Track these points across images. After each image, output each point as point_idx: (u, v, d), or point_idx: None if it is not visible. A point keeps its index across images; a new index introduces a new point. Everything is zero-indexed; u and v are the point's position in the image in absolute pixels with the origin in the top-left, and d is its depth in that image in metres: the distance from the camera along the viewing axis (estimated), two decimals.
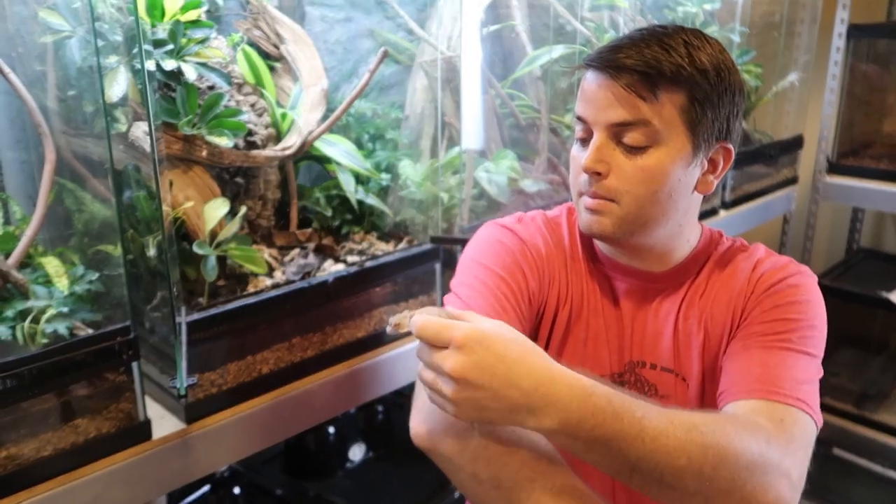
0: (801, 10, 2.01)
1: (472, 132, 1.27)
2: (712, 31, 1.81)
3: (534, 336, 0.91)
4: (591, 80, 0.85)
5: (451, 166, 1.26)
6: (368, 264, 1.06)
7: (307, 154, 1.15)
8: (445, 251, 1.19)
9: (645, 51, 0.83)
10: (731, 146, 0.88)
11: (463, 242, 1.22)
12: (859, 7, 2.05)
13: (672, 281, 0.93)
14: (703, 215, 1.73)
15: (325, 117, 1.14)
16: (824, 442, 2.00)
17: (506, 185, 1.27)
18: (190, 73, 0.94)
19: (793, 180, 2.02)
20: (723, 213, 1.77)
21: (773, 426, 0.76)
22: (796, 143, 2.04)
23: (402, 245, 1.18)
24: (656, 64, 0.83)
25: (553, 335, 0.91)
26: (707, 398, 0.91)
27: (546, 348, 0.90)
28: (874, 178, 1.91)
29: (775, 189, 1.94)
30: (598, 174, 0.84)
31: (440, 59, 1.27)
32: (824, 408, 2.21)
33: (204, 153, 0.97)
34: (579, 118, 0.86)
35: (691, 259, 0.95)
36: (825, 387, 2.08)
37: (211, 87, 1.04)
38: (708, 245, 0.96)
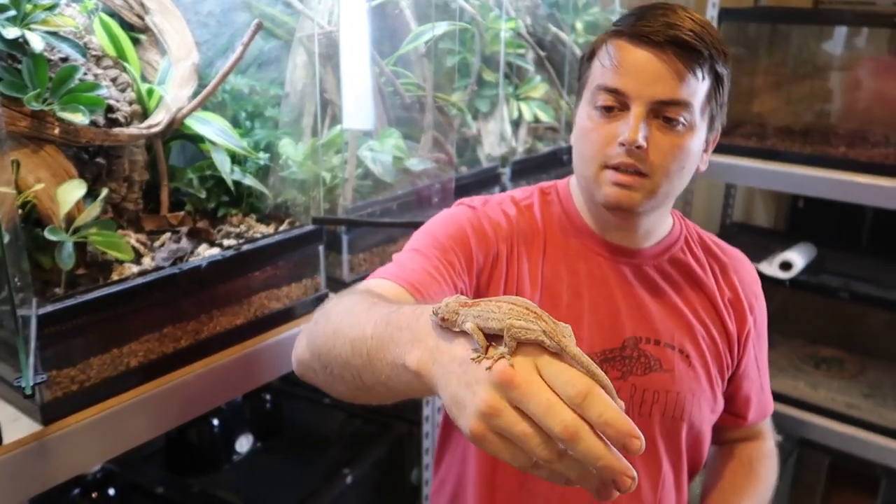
0: None
1: (355, 110, 1.23)
2: (594, 12, 1.85)
3: None
4: (629, 50, 0.85)
5: (334, 145, 1.22)
6: (246, 247, 1.01)
7: (179, 133, 1.08)
8: (328, 232, 1.16)
9: (689, 24, 0.84)
10: (720, 127, 0.94)
11: (346, 223, 1.19)
12: None
13: (661, 256, 0.98)
14: None
15: (196, 94, 1.07)
16: None
17: (391, 165, 1.24)
18: (37, 42, 0.86)
19: None
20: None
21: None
22: None
23: (283, 227, 1.13)
24: (702, 40, 0.84)
25: None
26: (709, 375, 0.98)
27: None
28: (745, 155, 2.01)
29: None
30: (640, 148, 0.84)
31: (318, 34, 1.22)
32: None
33: (56, 131, 0.89)
34: (611, 89, 0.86)
35: (674, 235, 1.00)
36: None
37: (64, 60, 0.95)
38: (679, 220, 1.03)
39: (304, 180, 1.17)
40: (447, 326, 0.55)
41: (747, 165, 2.00)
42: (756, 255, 2.04)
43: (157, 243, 1.02)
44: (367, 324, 0.64)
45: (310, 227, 1.10)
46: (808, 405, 2.00)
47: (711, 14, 2.02)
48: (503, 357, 0.49)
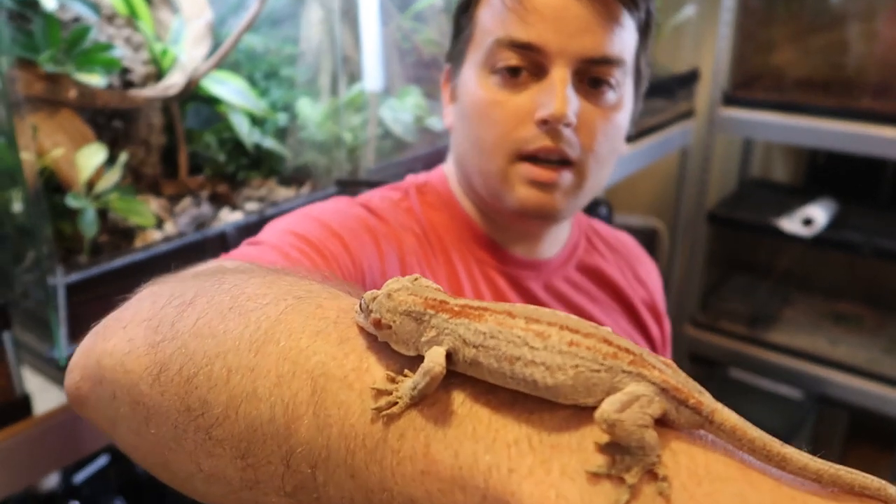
0: None
1: (374, 68, 1.19)
2: None
3: None
4: None
5: (354, 105, 1.19)
6: (269, 211, 0.99)
7: (194, 94, 1.05)
8: (351, 195, 1.13)
9: None
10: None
11: (370, 185, 1.16)
12: None
13: (569, 263, 0.77)
14: None
15: (211, 54, 1.04)
16: (721, 364, 2.10)
17: (412, 124, 1.21)
18: (49, 0, 0.83)
19: (689, 113, 2.06)
20: (626, 148, 1.78)
21: None
22: (693, 77, 2.07)
23: (304, 190, 1.11)
24: None
25: None
26: None
27: None
28: (765, 108, 1.96)
29: (673, 122, 1.97)
30: (569, 126, 0.62)
31: None
32: (720, 332, 2.31)
33: (72, 93, 0.85)
34: (521, 44, 0.62)
35: (575, 233, 0.79)
36: (720, 312, 2.19)
37: (76, 20, 0.92)
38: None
39: (323, 141, 1.14)
40: (384, 336, 0.33)
41: (766, 120, 1.96)
42: (776, 212, 2.01)
43: (177, 208, 0.99)
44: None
45: (332, 190, 1.08)
46: (828, 361, 1.99)
47: None
48: (400, 404, 0.31)
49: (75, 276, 0.76)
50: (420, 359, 0.32)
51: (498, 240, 0.72)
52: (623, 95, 0.66)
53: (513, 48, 0.62)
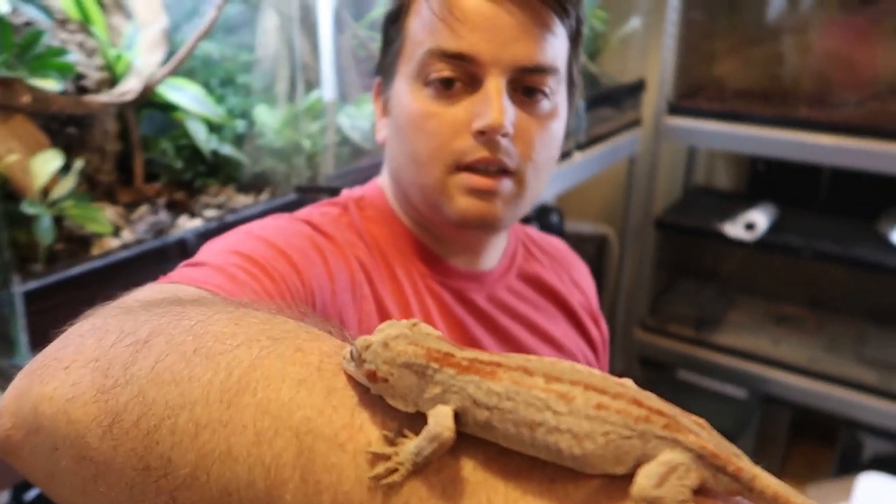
0: None
1: (331, 76, 1.20)
2: None
3: None
4: (471, 1, 0.61)
5: (312, 112, 1.19)
6: (229, 218, 0.98)
7: (149, 101, 1.04)
8: (311, 201, 1.13)
9: None
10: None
11: (330, 191, 1.17)
12: None
13: (509, 273, 0.76)
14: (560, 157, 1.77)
15: (166, 60, 1.03)
16: (670, 366, 2.16)
17: (370, 131, 1.22)
18: (1, 3, 0.81)
19: (636, 122, 2.12)
20: (577, 156, 1.82)
21: None
22: (639, 87, 2.13)
23: (263, 196, 1.10)
24: None
25: None
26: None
27: None
28: (708, 117, 2.03)
29: (621, 131, 2.03)
30: (507, 135, 0.62)
31: None
32: (668, 335, 2.37)
33: (26, 99, 0.84)
34: (453, 55, 0.61)
35: (512, 241, 0.78)
36: (668, 315, 2.26)
37: (28, 24, 0.90)
38: None
39: (282, 148, 1.14)
40: (379, 390, 0.30)
41: (710, 128, 2.03)
42: (720, 217, 2.08)
43: (134, 216, 0.98)
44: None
45: (292, 196, 1.08)
46: (771, 361, 2.07)
47: None
48: (401, 471, 0.28)
49: (33, 284, 0.74)
50: (421, 416, 0.29)
51: (439, 253, 0.71)
52: (558, 104, 0.66)
53: (445, 59, 0.61)
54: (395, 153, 0.69)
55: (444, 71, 0.61)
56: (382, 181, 0.74)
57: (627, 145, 2.07)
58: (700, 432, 0.27)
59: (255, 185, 1.13)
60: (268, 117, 1.14)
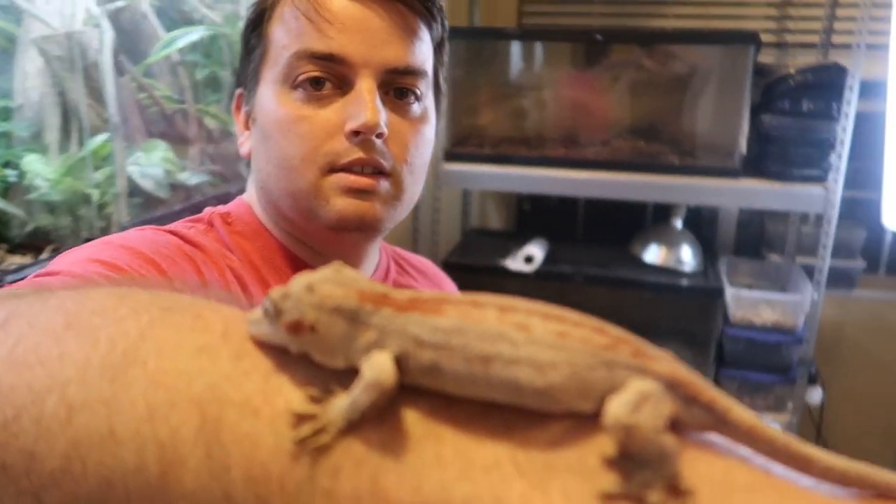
0: None
1: (117, 121, 1.10)
2: None
3: None
4: (338, 2, 0.60)
5: (95, 159, 1.07)
6: (9, 278, 0.84)
7: None
8: None
9: None
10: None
11: None
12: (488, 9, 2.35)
13: (384, 283, 0.71)
14: None
15: None
16: None
17: (163, 178, 1.13)
18: None
19: None
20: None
21: None
22: None
23: (43, 255, 0.96)
24: None
25: None
26: None
27: None
28: (478, 161, 2.18)
29: None
30: (381, 136, 0.60)
31: (58, 35, 1.07)
32: None
33: None
34: (322, 56, 0.59)
35: (383, 255, 0.78)
36: None
37: None
38: None
39: (64, 200, 1.00)
40: (303, 345, 0.26)
41: (481, 171, 2.18)
42: (501, 254, 2.22)
43: None
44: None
45: None
46: None
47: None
48: (330, 430, 0.23)
49: None
50: (352, 373, 0.24)
51: (314, 265, 0.67)
52: (427, 108, 0.67)
53: (314, 61, 0.60)
54: (262, 163, 0.65)
55: (313, 72, 0.60)
56: (248, 197, 0.71)
57: None
58: (671, 361, 0.24)
59: (31, 243, 0.98)
60: (41, 167, 1.01)
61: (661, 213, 2.31)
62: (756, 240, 2.36)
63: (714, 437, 0.24)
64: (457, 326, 0.24)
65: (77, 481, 0.25)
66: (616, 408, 0.22)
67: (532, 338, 0.24)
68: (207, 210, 0.70)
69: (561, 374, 0.23)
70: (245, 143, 0.69)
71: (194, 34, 1.25)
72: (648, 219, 2.43)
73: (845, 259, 2.15)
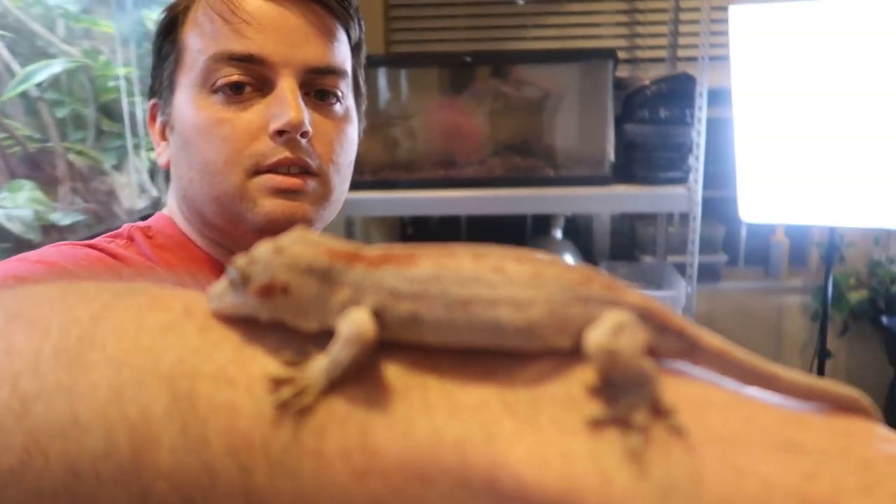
0: None
1: None
2: None
3: None
4: (248, 1, 0.59)
5: None
6: None
7: None
8: None
9: None
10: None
11: None
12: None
13: None
14: None
15: None
16: None
17: (33, 220, 1.05)
18: None
19: None
20: None
21: None
22: None
23: None
24: None
25: None
26: None
27: None
28: (362, 188, 2.19)
29: None
30: (306, 135, 0.60)
31: None
32: None
33: None
34: (241, 57, 0.58)
35: None
36: None
37: None
38: None
39: None
40: (274, 310, 0.25)
41: (366, 197, 2.18)
42: None
43: None
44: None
45: None
46: None
47: None
48: (311, 390, 0.23)
49: None
50: (326, 336, 0.24)
51: None
52: (349, 108, 0.67)
53: (233, 63, 0.59)
54: (183, 171, 0.63)
55: (232, 75, 0.59)
56: (169, 210, 0.68)
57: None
58: (640, 293, 0.25)
59: None
60: None
61: (541, 225, 2.41)
62: (629, 243, 2.50)
63: (685, 365, 0.25)
64: (433, 274, 0.24)
65: (40, 475, 0.23)
66: (597, 336, 0.23)
67: (508, 279, 0.24)
68: (126, 226, 0.66)
69: (540, 311, 0.23)
70: (163, 153, 0.67)
71: (55, 66, 1.18)
72: (529, 232, 2.52)
73: (709, 254, 2.33)
